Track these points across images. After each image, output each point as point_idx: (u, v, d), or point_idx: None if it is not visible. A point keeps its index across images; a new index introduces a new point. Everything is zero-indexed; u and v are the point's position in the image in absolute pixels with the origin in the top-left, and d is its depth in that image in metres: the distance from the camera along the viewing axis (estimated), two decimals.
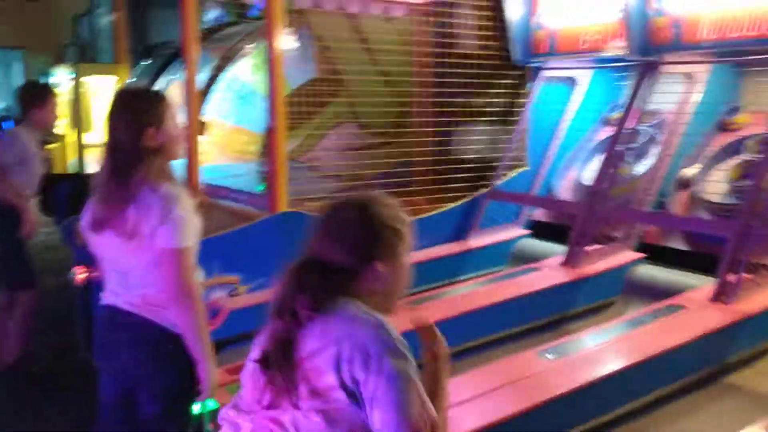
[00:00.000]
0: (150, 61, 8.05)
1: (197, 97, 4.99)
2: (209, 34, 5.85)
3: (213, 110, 5.66)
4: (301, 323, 1.39)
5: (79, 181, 8.09)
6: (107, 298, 2.23)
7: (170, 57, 7.06)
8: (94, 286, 3.85)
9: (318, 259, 1.45)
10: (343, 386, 1.33)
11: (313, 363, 1.36)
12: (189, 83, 4.93)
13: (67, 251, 4.16)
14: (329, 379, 1.33)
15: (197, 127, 4.96)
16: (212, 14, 6.76)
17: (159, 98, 2.20)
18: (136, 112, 2.13)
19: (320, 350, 1.35)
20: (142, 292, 2.13)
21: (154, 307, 2.12)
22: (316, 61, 5.73)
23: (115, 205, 2.08)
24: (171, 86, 6.43)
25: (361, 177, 5.68)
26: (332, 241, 1.46)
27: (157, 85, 6.78)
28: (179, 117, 2.24)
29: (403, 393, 1.29)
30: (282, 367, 1.39)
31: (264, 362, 1.43)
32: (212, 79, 5.74)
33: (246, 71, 5.72)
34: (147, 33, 10.62)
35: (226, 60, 5.81)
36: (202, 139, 5.03)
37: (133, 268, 2.14)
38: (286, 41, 4.48)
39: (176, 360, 2.12)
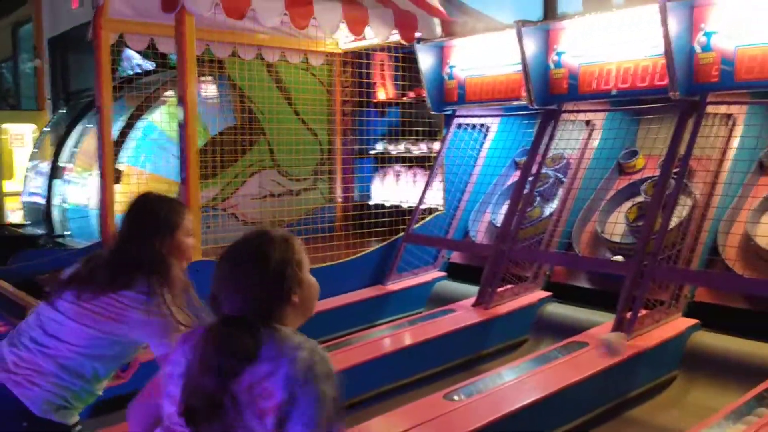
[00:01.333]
0: (65, 110, 7.95)
1: (112, 146, 4.96)
2: (127, 83, 5.84)
3: (130, 158, 5.63)
4: (230, 379, 1.49)
5: None
6: None
7: (86, 105, 7.00)
8: None
9: (234, 314, 1.56)
10: (284, 401, 1.47)
11: (264, 385, 1.48)
12: (103, 131, 4.92)
13: None
14: (277, 398, 1.47)
15: (112, 175, 4.92)
16: (130, 63, 6.76)
17: (179, 206, 2.38)
18: (153, 219, 2.30)
19: (272, 373, 1.48)
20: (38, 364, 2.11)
21: (27, 383, 2.09)
22: (235, 109, 5.80)
23: (103, 284, 2.16)
24: (87, 134, 6.37)
25: (281, 223, 5.73)
26: (243, 293, 1.58)
27: (73, 134, 6.70)
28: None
29: (316, 414, 1.47)
30: (213, 420, 1.49)
31: (190, 418, 1.52)
32: (129, 128, 5.72)
33: (163, 119, 5.73)
34: (69, 80, 10.49)
35: (143, 108, 5.82)
36: (117, 188, 4.99)
37: (59, 343, 2.14)
38: (205, 89, 4.54)
39: None
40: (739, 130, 4.10)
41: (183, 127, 4.22)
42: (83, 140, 6.32)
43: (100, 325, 2.13)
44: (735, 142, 4.09)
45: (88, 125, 6.44)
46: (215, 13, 4.28)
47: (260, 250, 1.60)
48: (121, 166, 5.30)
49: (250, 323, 1.54)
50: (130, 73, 6.59)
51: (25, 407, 2.07)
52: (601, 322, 4.03)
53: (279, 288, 1.59)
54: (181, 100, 4.22)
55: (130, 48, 5.22)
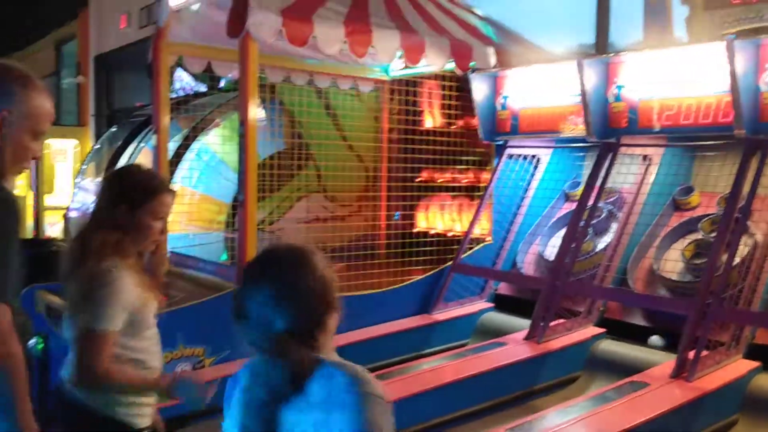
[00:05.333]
0: (116, 127, 8.07)
1: (168, 166, 5.01)
2: (180, 104, 5.92)
3: (183, 179, 5.68)
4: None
5: (37, 246, 7.94)
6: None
7: (140, 124, 7.10)
8: (51, 357, 3.75)
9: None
10: None
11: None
12: (159, 151, 4.97)
13: (25, 319, 4.06)
14: None
15: None
16: (182, 84, 6.86)
17: (152, 184, 2.20)
18: (119, 186, 2.19)
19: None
20: None
21: None
22: (285, 134, 5.85)
23: (67, 268, 2.12)
24: (140, 153, 6.46)
25: (326, 248, 5.72)
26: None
27: (126, 152, 6.79)
28: (166, 216, 2.25)
29: None
30: None
31: None
32: (184, 148, 5.78)
33: (215, 142, 5.78)
34: (113, 97, 10.69)
35: (196, 130, 5.88)
36: None
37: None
38: (257, 113, 4.57)
39: None
40: None
41: (243, 148, 4.24)
42: (136, 159, 6.40)
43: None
44: None
45: (141, 144, 6.53)
46: (277, 40, 4.32)
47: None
48: (174, 186, 5.35)
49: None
50: (182, 94, 6.68)
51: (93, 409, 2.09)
52: (658, 362, 3.95)
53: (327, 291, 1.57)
54: (242, 123, 4.25)
55: (187, 71, 5.30)
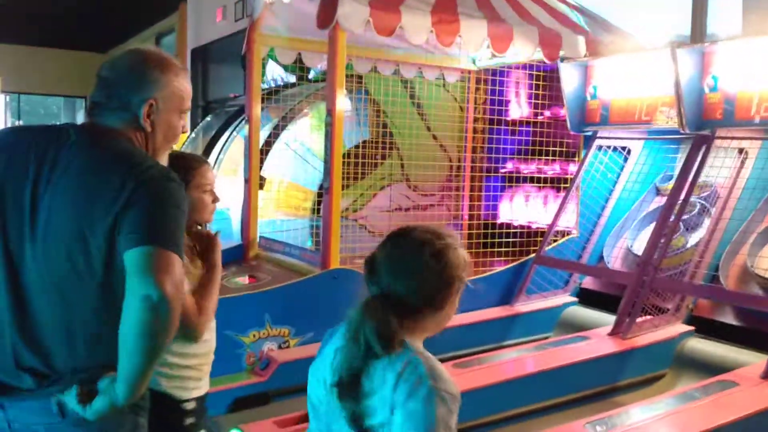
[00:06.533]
0: (212, 117, 8.40)
1: (259, 154, 5.20)
2: (271, 95, 6.11)
3: (272, 167, 5.87)
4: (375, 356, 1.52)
5: None
6: None
7: (233, 114, 7.37)
8: None
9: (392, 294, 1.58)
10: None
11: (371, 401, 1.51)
12: (251, 140, 5.16)
13: None
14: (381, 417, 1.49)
15: (257, 181, 5.16)
16: (272, 75, 7.06)
17: (189, 162, 2.30)
18: None
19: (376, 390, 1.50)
20: None
21: None
22: (371, 123, 5.94)
23: None
24: (233, 142, 6.72)
25: None
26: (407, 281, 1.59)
27: (220, 141, 7.07)
28: (212, 187, 2.34)
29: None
30: (350, 396, 1.52)
31: (340, 388, 1.55)
32: (273, 137, 5.98)
33: (304, 131, 5.95)
34: (207, 88, 11.08)
35: (285, 119, 6.06)
36: (260, 194, 5.22)
37: None
38: (344, 104, 4.67)
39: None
40: None
41: (329, 137, 4.35)
42: (229, 147, 6.67)
43: None
44: None
45: (234, 133, 6.78)
46: (365, 31, 4.39)
47: (448, 251, 1.63)
48: (264, 174, 5.54)
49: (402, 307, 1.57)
50: (272, 84, 6.88)
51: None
52: (748, 362, 3.81)
53: (444, 288, 1.63)
54: (329, 113, 4.36)
55: (278, 62, 5.46)
